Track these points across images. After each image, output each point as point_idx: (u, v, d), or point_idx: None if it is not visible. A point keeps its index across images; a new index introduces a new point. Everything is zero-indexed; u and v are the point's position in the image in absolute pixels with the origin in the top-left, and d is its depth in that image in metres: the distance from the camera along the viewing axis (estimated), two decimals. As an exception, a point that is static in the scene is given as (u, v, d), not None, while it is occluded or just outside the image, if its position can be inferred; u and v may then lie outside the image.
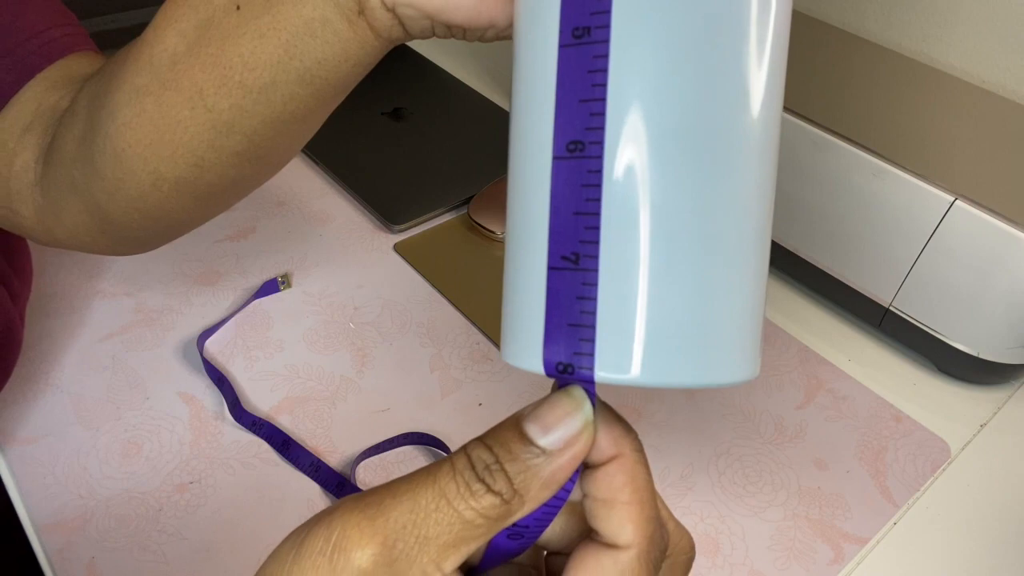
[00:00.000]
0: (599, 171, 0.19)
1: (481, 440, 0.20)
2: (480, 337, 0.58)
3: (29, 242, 0.57)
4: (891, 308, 0.56)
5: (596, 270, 0.19)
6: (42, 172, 0.39)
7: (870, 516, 0.48)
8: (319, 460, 0.49)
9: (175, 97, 0.32)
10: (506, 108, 0.82)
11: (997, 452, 0.53)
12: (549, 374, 0.20)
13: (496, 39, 0.28)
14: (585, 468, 0.21)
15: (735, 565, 0.46)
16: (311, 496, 0.48)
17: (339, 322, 0.59)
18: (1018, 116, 0.47)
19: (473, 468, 0.20)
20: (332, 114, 0.36)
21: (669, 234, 0.19)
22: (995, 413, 0.55)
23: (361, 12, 0.28)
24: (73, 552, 0.45)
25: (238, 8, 0.30)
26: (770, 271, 0.65)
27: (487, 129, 0.79)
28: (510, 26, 0.24)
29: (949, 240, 0.50)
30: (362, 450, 0.50)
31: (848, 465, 0.51)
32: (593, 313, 0.19)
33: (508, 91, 0.85)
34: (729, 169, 0.19)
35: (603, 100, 0.18)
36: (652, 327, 0.19)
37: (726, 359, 0.20)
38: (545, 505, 0.20)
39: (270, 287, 0.61)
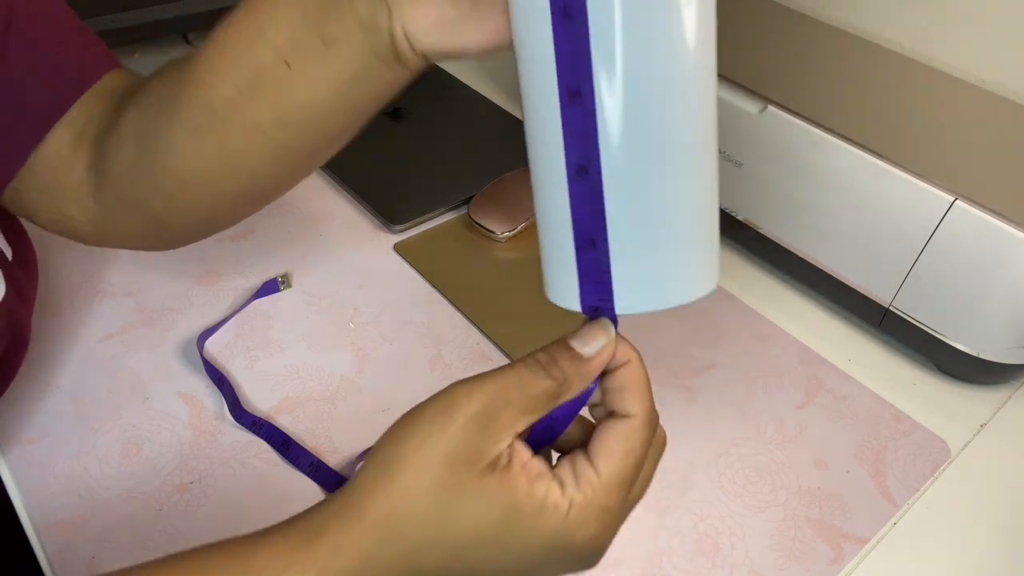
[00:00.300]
0: (600, 185, 0.27)
1: (542, 349, 0.30)
2: (480, 337, 0.58)
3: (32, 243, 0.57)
4: (891, 308, 0.56)
5: (607, 252, 0.28)
6: (96, 185, 0.42)
7: (870, 516, 0.48)
8: (319, 460, 0.49)
9: (236, 133, 0.36)
10: (506, 108, 0.83)
11: (997, 452, 0.53)
12: (585, 312, 0.30)
13: (497, 51, 0.33)
14: (605, 374, 0.31)
15: (735, 565, 0.46)
16: (311, 496, 0.48)
17: (339, 322, 0.59)
18: (1018, 116, 0.47)
19: (539, 364, 0.29)
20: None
21: (651, 223, 0.28)
22: (995, 413, 0.55)
23: (397, 59, 0.34)
24: (73, 552, 0.45)
25: (288, 65, 0.34)
26: (770, 270, 0.65)
27: (487, 129, 0.79)
28: (510, 44, 0.29)
29: (949, 240, 0.50)
30: (362, 450, 0.50)
31: (848, 465, 0.51)
32: (608, 272, 0.29)
33: (508, 91, 0.85)
34: (686, 173, 0.28)
35: (595, 140, 0.27)
36: (646, 278, 0.29)
37: (694, 284, 0.30)
38: (573, 400, 0.30)
39: (270, 287, 0.61)
